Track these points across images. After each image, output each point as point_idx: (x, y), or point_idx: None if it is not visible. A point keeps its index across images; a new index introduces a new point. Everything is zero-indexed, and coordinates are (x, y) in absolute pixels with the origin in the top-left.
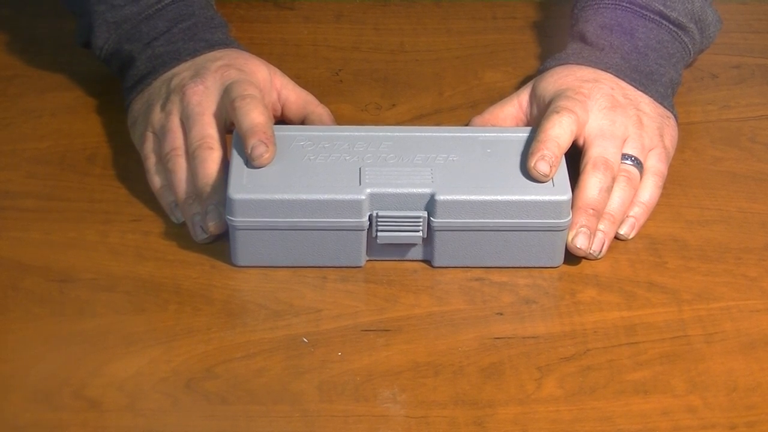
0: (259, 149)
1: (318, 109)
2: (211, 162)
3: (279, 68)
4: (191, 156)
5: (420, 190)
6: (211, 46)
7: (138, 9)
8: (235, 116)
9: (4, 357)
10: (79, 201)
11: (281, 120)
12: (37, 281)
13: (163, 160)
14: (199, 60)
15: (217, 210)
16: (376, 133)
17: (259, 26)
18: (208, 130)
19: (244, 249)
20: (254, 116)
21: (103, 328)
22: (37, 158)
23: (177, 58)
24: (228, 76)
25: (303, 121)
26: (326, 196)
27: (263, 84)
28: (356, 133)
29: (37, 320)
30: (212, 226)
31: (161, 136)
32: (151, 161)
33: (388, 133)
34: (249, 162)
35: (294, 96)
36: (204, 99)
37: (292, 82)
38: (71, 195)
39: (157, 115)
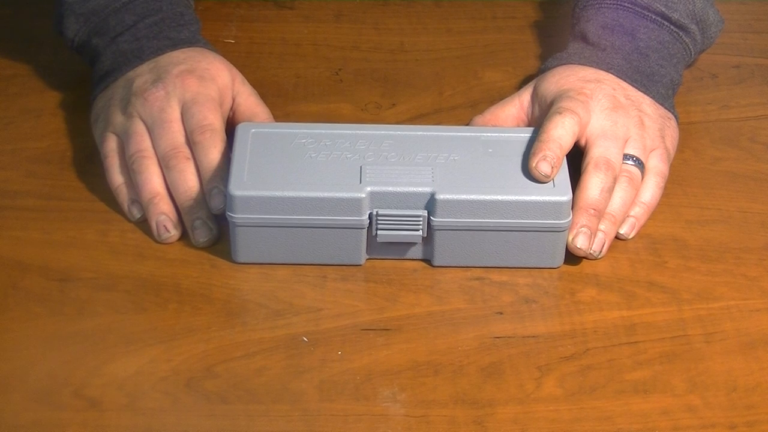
0: (218, 199)
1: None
2: (190, 174)
3: (279, 68)
4: (166, 166)
5: (420, 189)
6: (175, 45)
7: (106, 2)
8: (195, 150)
9: (3, 356)
10: (79, 200)
11: (231, 123)
12: (36, 280)
13: (129, 161)
14: (162, 61)
15: (206, 225)
16: (378, 132)
17: (259, 26)
18: (180, 138)
19: (244, 246)
20: (214, 156)
21: (103, 327)
22: (37, 157)
23: (140, 57)
24: (188, 84)
25: None
26: (327, 194)
27: (223, 89)
28: (358, 132)
29: (37, 319)
30: (203, 242)
31: (125, 138)
32: (112, 160)
33: (390, 132)
34: (209, 205)
35: (243, 106)
36: (166, 105)
37: (250, 89)
38: (71, 194)
39: (118, 117)
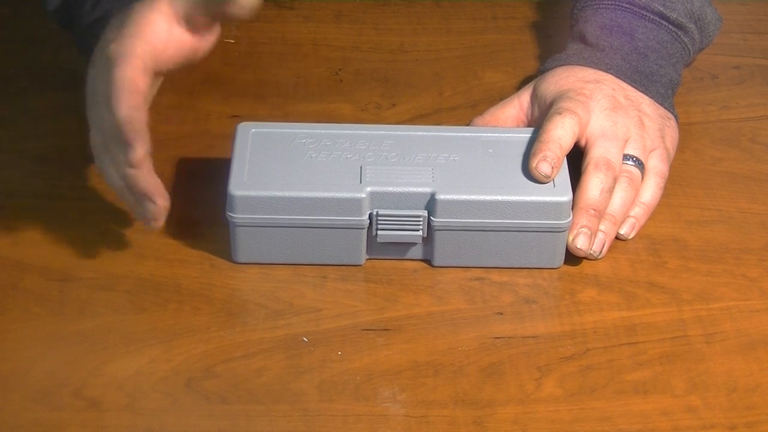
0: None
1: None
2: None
3: (279, 68)
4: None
5: (420, 189)
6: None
7: None
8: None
9: (3, 356)
10: (78, 200)
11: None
12: (36, 280)
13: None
14: (110, 35)
15: (150, 202)
16: (378, 132)
17: (259, 25)
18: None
19: (245, 246)
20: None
21: (102, 327)
22: (38, 157)
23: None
24: (114, 51)
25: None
26: (326, 194)
27: (156, 38)
28: (358, 132)
29: (36, 319)
30: (153, 220)
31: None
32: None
33: (390, 132)
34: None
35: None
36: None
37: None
38: (71, 194)
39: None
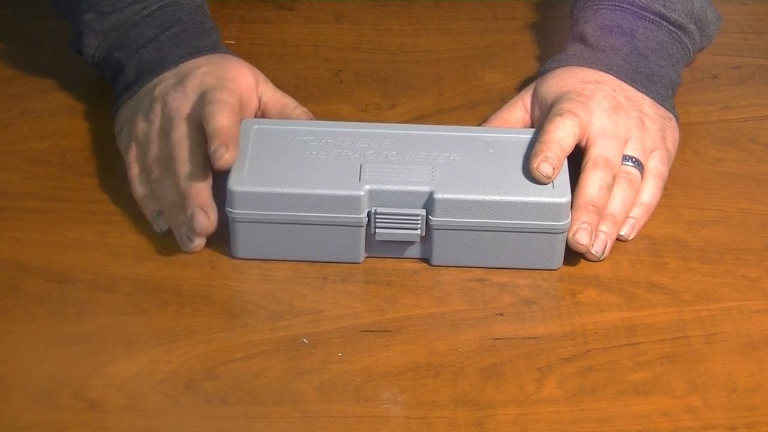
0: (219, 151)
1: (295, 112)
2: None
3: (279, 69)
4: (170, 158)
5: (419, 188)
6: (198, 52)
7: (124, 16)
8: (204, 121)
9: (4, 358)
10: (79, 201)
11: None
12: (37, 282)
13: (147, 170)
14: (184, 67)
15: (202, 212)
16: (380, 131)
17: (259, 26)
18: (186, 131)
19: (244, 241)
20: (219, 119)
21: (103, 328)
22: (37, 159)
23: (163, 66)
24: (207, 82)
25: None
26: (325, 191)
27: (246, 91)
28: (359, 130)
29: (37, 321)
30: (198, 230)
31: (145, 145)
32: (134, 171)
33: (392, 131)
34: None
35: (270, 102)
36: (182, 104)
37: (273, 87)
38: (71, 195)
39: (140, 125)
